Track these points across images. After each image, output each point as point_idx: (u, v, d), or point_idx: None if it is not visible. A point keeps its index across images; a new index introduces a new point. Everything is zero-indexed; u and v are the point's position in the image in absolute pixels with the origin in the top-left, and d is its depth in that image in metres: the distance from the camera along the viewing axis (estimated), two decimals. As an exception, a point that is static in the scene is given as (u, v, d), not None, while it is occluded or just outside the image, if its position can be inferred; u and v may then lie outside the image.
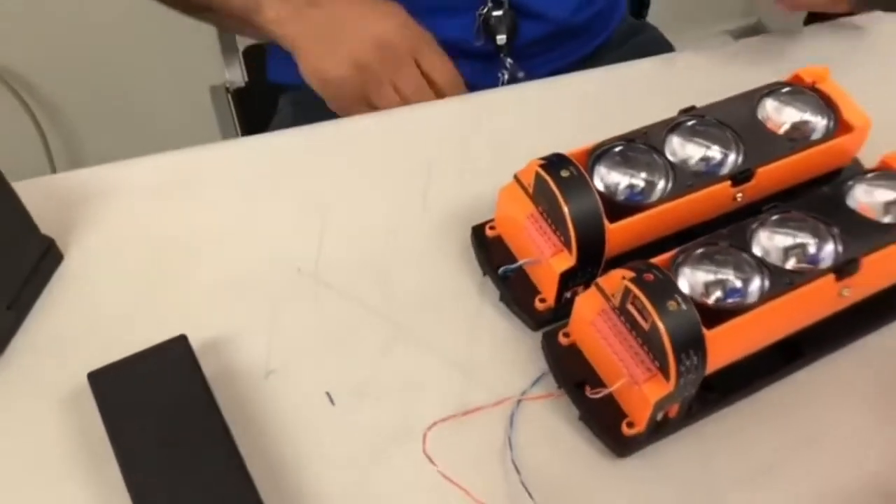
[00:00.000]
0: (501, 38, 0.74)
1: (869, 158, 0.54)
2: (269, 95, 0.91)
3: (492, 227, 0.54)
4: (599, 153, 0.50)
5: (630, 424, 0.45)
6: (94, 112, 1.32)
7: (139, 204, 0.57)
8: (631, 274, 0.43)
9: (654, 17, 1.23)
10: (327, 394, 0.47)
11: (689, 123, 0.52)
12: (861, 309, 0.50)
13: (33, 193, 0.52)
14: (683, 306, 0.42)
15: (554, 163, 0.48)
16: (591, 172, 0.50)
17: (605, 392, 0.45)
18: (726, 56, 0.69)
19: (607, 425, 0.46)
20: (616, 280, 0.44)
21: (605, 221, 0.47)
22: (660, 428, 0.46)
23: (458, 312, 0.52)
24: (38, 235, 0.52)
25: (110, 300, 0.52)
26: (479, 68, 0.74)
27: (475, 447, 0.46)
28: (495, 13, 0.73)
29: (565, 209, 0.46)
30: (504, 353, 0.50)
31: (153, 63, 1.24)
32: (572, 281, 0.49)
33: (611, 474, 0.45)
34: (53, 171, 1.33)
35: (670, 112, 0.53)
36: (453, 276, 0.54)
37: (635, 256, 0.46)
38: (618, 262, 0.47)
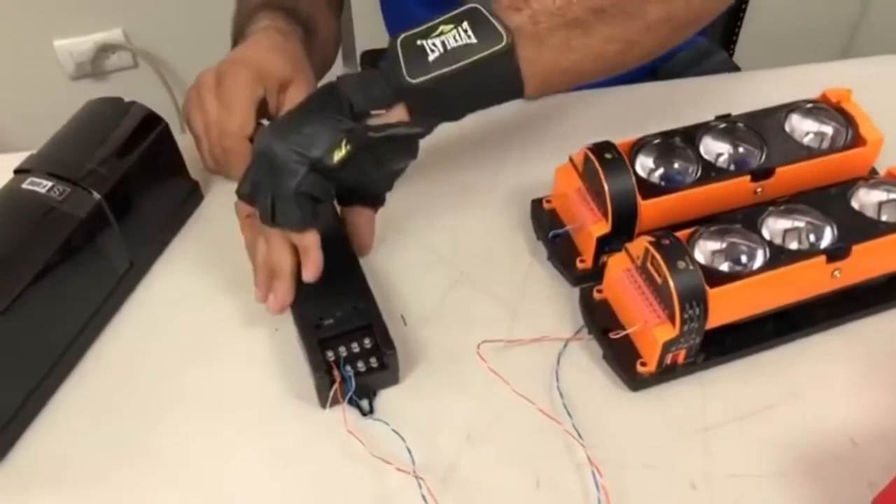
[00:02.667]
0: None
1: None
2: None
3: (548, 201, 0.64)
4: (641, 144, 0.61)
5: (643, 364, 0.55)
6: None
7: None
8: (652, 239, 0.53)
9: (743, 50, 1.31)
10: (402, 316, 0.59)
11: (722, 126, 0.61)
12: (856, 297, 0.58)
13: (185, 146, 0.66)
14: (691, 266, 0.52)
15: (601, 147, 0.59)
16: (632, 159, 0.60)
17: (623, 333, 0.55)
18: (780, 78, 0.78)
19: (625, 364, 0.55)
20: (640, 245, 0.54)
21: (639, 198, 0.58)
22: (667, 371, 0.55)
23: (513, 267, 0.63)
24: (188, 177, 0.66)
25: (240, 235, 0.64)
26: None
27: (518, 368, 0.56)
28: None
29: (605, 185, 0.57)
30: (547, 302, 0.61)
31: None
32: (607, 246, 0.59)
33: (624, 404, 0.55)
34: (184, 132, 1.51)
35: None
36: (512, 237, 0.65)
37: (666, 233, 0.56)
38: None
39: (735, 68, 0.98)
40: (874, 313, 0.59)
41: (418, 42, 0.51)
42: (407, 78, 0.51)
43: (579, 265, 0.61)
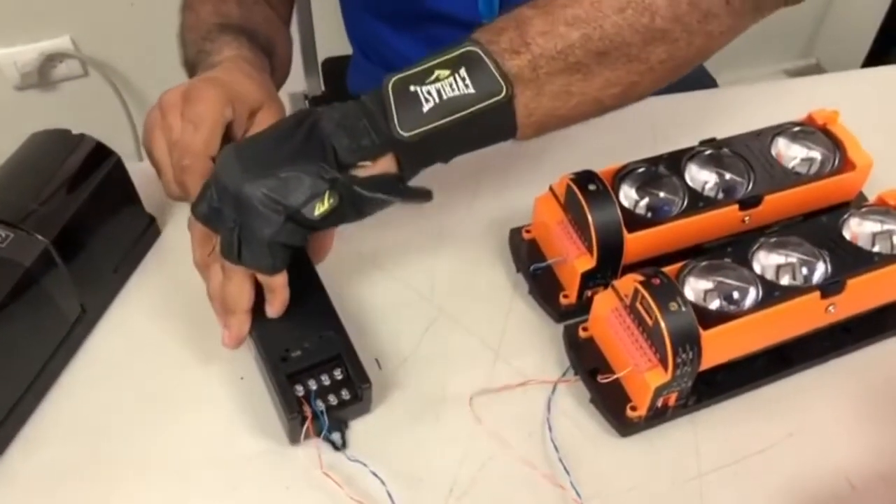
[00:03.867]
0: None
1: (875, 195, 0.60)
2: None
3: (528, 231, 0.61)
4: (625, 172, 0.58)
5: (633, 408, 0.52)
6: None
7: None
8: (641, 278, 0.50)
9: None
10: (376, 360, 0.56)
11: (707, 153, 0.59)
12: (849, 328, 0.56)
13: (140, 176, 0.61)
14: (683, 308, 0.49)
15: (583, 177, 0.56)
16: (616, 188, 0.57)
17: (612, 378, 0.52)
18: (759, 94, 0.76)
19: (613, 408, 0.53)
20: (629, 283, 0.51)
21: (624, 231, 0.55)
22: (659, 414, 0.53)
23: (494, 302, 0.60)
24: (143, 212, 0.62)
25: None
26: None
27: (503, 414, 0.53)
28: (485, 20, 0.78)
29: (590, 218, 0.54)
30: (530, 340, 0.58)
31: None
32: (592, 281, 0.56)
33: (614, 452, 0.52)
34: (140, 159, 1.45)
35: (696, 142, 0.60)
36: (491, 270, 0.62)
37: (651, 265, 0.54)
38: (635, 268, 0.54)
39: (710, 78, 0.96)
40: (868, 345, 0.58)
41: (411, 88, 0.47)
42: (399, 130, 0.47)
43: (563, 300, 0.58)
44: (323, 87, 1.16)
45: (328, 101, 1.00)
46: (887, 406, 0.55)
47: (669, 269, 0.53)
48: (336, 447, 0.52)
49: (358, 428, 0.53)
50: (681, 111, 0.75)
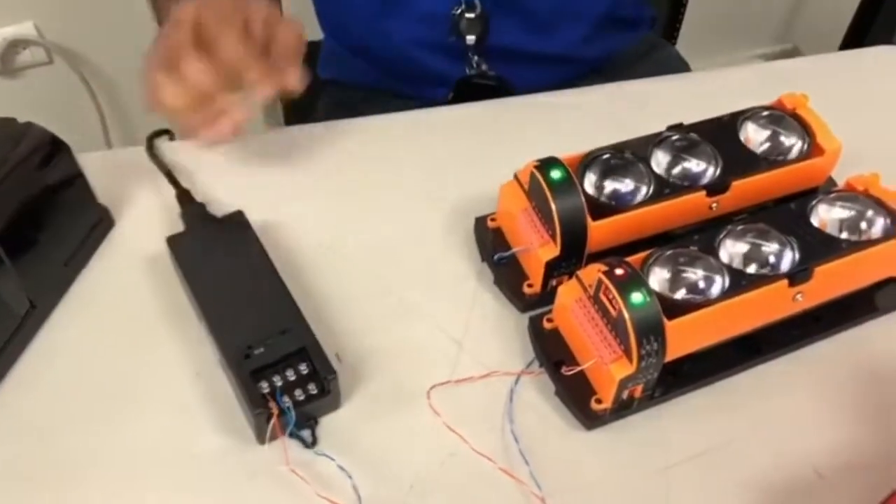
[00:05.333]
0: (471, 39, 0.78)
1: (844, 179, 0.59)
2: (317, 89, 0.98)
3: (493, 220, 0.60)
4: (590, 159, 0.56)
5: (598, 401, 0.51)
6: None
7: (184, 181, 0.64)
8: (605, 268, 0.49)
9: (686, 38, 1.29)
10: (336, 355, 0.54)
11: (674, 138, 0.58)
12: (819, 316, 0.55)
13: (92, 166, 0.59)
14: (647, 298, 0.48)
15: (547, 164, 0.54)
16: (581, 176, 0.56)
17: (577, 370, 0.51)
18: (732, 78, 0.74)
19: (578, 401, 0.52)
20: (593, 272, 0.50)
21: (589, 219, 0.54)
22: (624, 406, 0.51)
23: (457, 292, 0.58)
24: (95, 203, 0.60)
25: (154, 264, 0.59)
26: (450, 60, 0.80)
27: (466, 407, 0.52)
28: (468, 15, 0.77)
29: (553, 206, 0.53)
30: (495, 331, 0.56)
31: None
32: (556, 270, 0.55)
33: (579, 445, 0.51)
34: (109, 146, 1.42)
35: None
36: (456, 260, 0.60)
37: (617, 253, 0.53)
38: (601, 257, 0.53)
39: (683, 63, 0.94)
40: (837, 332, 0.57)
41: None
42: None
43: (527, 290, 0.57)
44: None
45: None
46: (855, 395, 0.54)
47: (634, 259, 0.52)
48: (306, 444, 0.50)
49: (328, 424, 0.51)
50: (652, 96, 0.73)
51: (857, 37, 1.29)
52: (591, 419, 0.51)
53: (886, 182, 0.56)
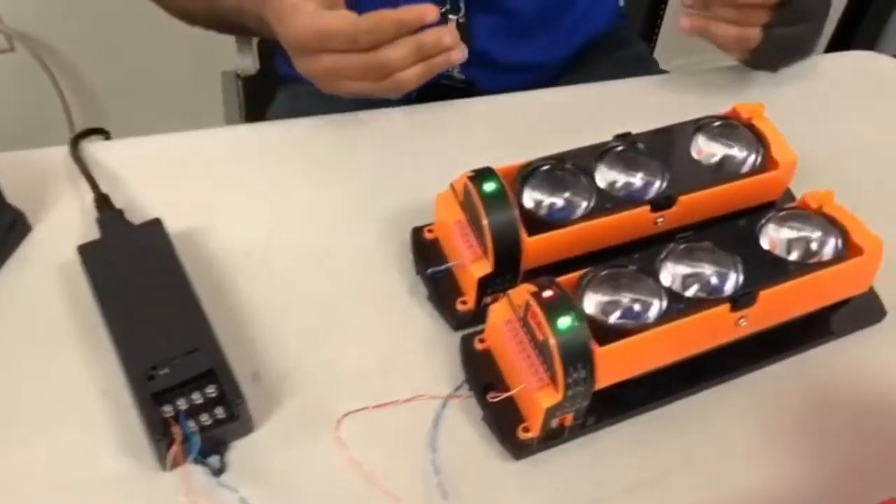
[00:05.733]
0: None
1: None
2: (274, 85, 0.94)
3: (430, 230, 0.57)
4: (529, 170, 0.53)
5: (526, 429, 0.48)
6: (115, 83, 1.37)
7: (107, 183, 0.60)
8: (534, 289, 0.46)
9: (665, 37, 1.25)
10: (254, 374, 0.51)
11: (619, 149, 0.54)
12: (768, 340, 0.52)
13: (7, 166, 0.56)
14: (576, 323, 0.45)
15: (481, 175, 0.51)
16: (519, 188, 0.53)
17: (502, 396, 0.48)
18: (703, 81, 0.71)
19: (506, 428, 0.49)
20: (523, 293, 0.47)
21: (524, 234, 0.50)
22: (554, 435, 0.48)
23: (389, 307, 0.55)
24: (8, 207, 0.56)
25: (69, 273, 0.55)
26: None
27: (388, 435, 0.49)
28: (451, 17, 0.74)
29: (484, 220, 0.49)
30: (425, 350, 0.53)
31: (171, 42, 1.28)
32: (490, 287, 0.52)
33: (504, 476, 0.48)
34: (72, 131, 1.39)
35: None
36: (390, 272, 0.57)
37: (558, 270, 0.50)
38: (540, 273, 0.50)
39: (652, 61, 0.91)
40: (787, 357, 0.54)
41: None
42: None
43: (461, 307, 0.54)
44: (258, 66, 1.11)
45: (261, 82, 0.94)
46: (803, 423, 0.51)
47: (569, 278, 0.48)
48: (213, 472, 0.47)
49: (241, 448, 0.48)
50: (617, 99, 0.70)
51: (841, 42, 1.26)
52: (518, 449, 0.48)
53: (856, 191, 0.53)
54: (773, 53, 0.65)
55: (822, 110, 0.70)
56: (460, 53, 0.59)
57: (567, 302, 0.45)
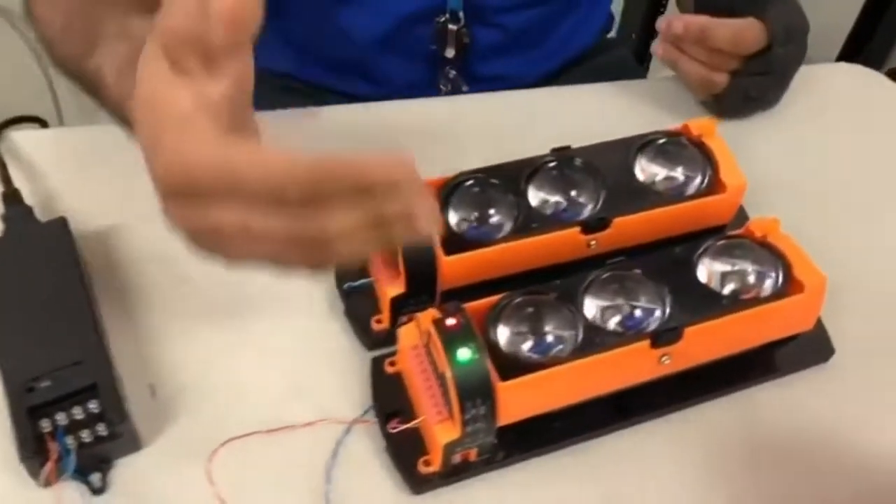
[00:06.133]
0: (450, 52, 0.72)
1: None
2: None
3: (354, 242, 0.54)
4: (455, 185, 0.50)
5: (427, 463, 0.45)
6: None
7: (29, 176, 0.58)
8: (437, 315, 0.43)
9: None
10: (150, 385, 0.48)
11: (553, 165, 0.51)
12: (699, 376, 0.49)
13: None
14: (476, 355, 0.41)
15: (397, 190, 0.48)
16: (444, 203, 0.49)
17: (401, 428, 0.45)
18: (678, 89, 0.67)
19: (406, 461, 0.46)
20: (428, 319, 0.44)
21: (441, 254, 0.47)
22: (458, 470, 0.45)
23: (304, 322, 0.52)
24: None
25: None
26: (422, 69, 0.73)
27: (283, 463, 0.46)
28: (451, 26, 0.72)
29: (396, 239, 0.46)
30: (336, 370, 0.50)
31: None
32: (405, 307, 0.49)
33: (405, 510, 0.45)
34: (59, 115, 1.37)
35: (586, 140, 0.53)
36: (308, 285, 0.54)
37: (481, 290, 0.46)
38: (460, 294, 0.47)
39: (634, 68, 0.87)
40: (724, 394, 0.50)
41: None
42: None
43: (376, 326, 0.50)
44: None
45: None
46: (736, 462, 0.47)
47: (482, 304, 0.45)
48: (92, 490, 0.45)
49: (127, 465, 0.46)
50: (590, 105, 0.66)
51: (849, 58, 1.21)
52: (418, 483, 0.45)
53: (825, 207, 0.49)
54: (737, 101, 0.62)
55: (800, 122, 0.66)
56: (434, 227, 0.35)
57: (468, 332, 0.42)
